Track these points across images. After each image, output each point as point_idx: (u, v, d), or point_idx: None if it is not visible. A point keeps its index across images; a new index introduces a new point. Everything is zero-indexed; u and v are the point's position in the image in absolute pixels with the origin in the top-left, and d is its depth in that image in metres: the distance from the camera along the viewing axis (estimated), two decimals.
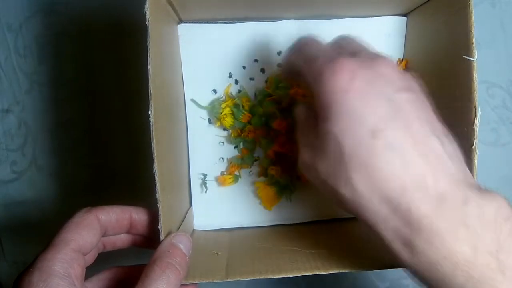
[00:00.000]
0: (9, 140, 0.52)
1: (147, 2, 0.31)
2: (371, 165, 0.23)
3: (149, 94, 0.31)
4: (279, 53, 0.47)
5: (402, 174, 0.23)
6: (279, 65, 0.47)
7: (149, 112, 0.31)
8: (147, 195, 0.33)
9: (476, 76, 0.33)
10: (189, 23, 0.45)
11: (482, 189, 0.24)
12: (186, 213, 0.44)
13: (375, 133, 0.23)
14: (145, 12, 0.31)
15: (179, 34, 0.45)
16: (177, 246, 0.32)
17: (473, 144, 0.34)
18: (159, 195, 0.32)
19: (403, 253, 0.24)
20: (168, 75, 0.40)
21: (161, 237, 0.33)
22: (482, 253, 0.22)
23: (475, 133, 0.33)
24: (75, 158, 0.52)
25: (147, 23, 0.31)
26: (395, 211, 0.23)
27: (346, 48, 0.27)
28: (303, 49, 0.28)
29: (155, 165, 0.32)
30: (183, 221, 0.41)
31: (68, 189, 0.53)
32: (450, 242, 0.22)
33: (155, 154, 0.31)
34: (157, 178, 0.32)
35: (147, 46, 0.31)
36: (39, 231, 0.44)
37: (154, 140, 0.31)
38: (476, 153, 0.33)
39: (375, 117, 0.23)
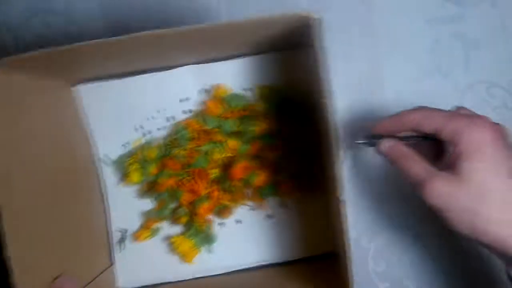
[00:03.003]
0: None
1: None
2: (508, 197, 0.30)
3: None
4: (181, 100, 0.46)
5: None
6: (184, 111, 0.46)
7: None
8: None
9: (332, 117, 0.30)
10: (85, 83, 0.45)
11: None
12: (103, 272, 0.44)
13: (511, 174, 0.31)
14: None
15: (76, 95, 0.45)
16: None
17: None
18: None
19: None
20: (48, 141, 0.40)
21: None
22: None
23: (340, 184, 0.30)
24: None
25: None
26: None
27: (465, 113, 0.35)
28: (433, 114, 0.34)
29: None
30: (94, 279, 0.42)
31: None
32: None
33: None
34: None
35: None
36: None
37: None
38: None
39: (510, 162, 0.31)
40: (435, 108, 0.35)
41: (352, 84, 0.47)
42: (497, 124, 0.33)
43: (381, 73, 0.47)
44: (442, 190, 0.31)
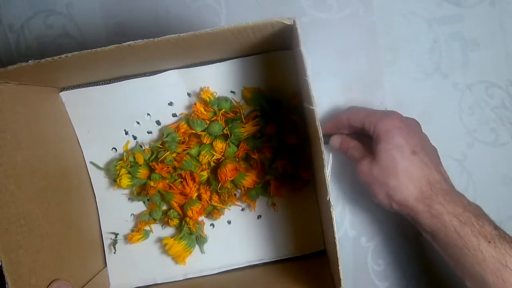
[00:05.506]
0: None
1: None
2: (411, 169, 0.37)
3: None
4: (170, 103, 0.46)
5: (428, 175, 0.37)
6: (173, 115, 0.46)
7: None
8: None
9: (318, 124, 0.31)
10: (72, 89, 0.45)
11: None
12: (96, 275, 0.44)
13: (414, 152, 0.37)
14: None
15: (63, 100, 0.45)
16: None
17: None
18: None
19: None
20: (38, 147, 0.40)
21: None
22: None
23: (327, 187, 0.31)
24: None
25: None
26: (423, 196, 0.36)
27: (379, 110, 0.42)
28: (357, 112, 0.42)
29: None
30: (88, 282, 0.43)
31: None
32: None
33: None
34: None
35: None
36: None
37: None
38: (329, 205, 0.31)
39: (413, 143, 0.38)
40: (362, 107, 0.44)
41: (351, 84, 0.47)
42: (408, 118, 0.40)
43: (381, 73, 0.47)
44: (365, 169, 0.39)
